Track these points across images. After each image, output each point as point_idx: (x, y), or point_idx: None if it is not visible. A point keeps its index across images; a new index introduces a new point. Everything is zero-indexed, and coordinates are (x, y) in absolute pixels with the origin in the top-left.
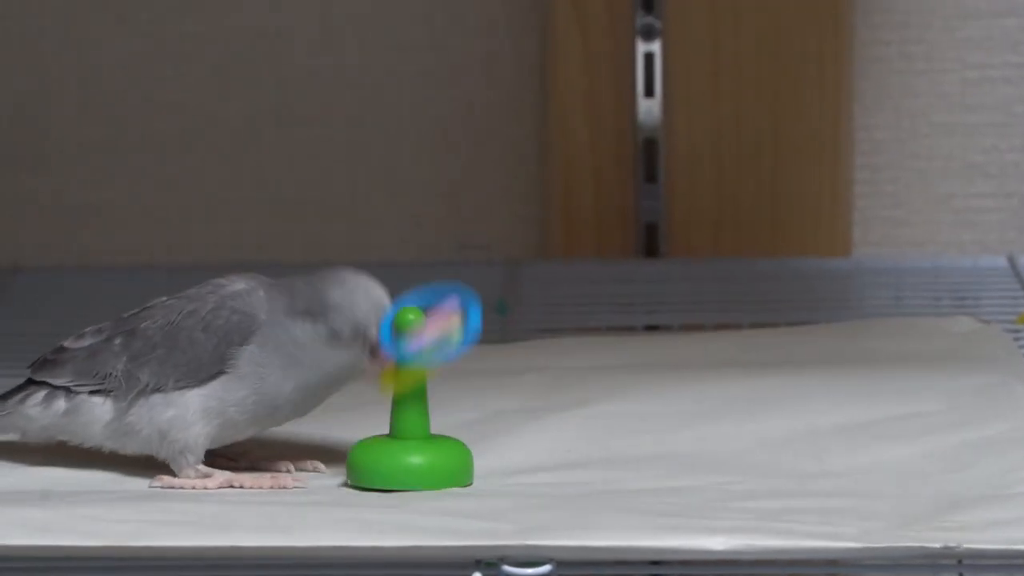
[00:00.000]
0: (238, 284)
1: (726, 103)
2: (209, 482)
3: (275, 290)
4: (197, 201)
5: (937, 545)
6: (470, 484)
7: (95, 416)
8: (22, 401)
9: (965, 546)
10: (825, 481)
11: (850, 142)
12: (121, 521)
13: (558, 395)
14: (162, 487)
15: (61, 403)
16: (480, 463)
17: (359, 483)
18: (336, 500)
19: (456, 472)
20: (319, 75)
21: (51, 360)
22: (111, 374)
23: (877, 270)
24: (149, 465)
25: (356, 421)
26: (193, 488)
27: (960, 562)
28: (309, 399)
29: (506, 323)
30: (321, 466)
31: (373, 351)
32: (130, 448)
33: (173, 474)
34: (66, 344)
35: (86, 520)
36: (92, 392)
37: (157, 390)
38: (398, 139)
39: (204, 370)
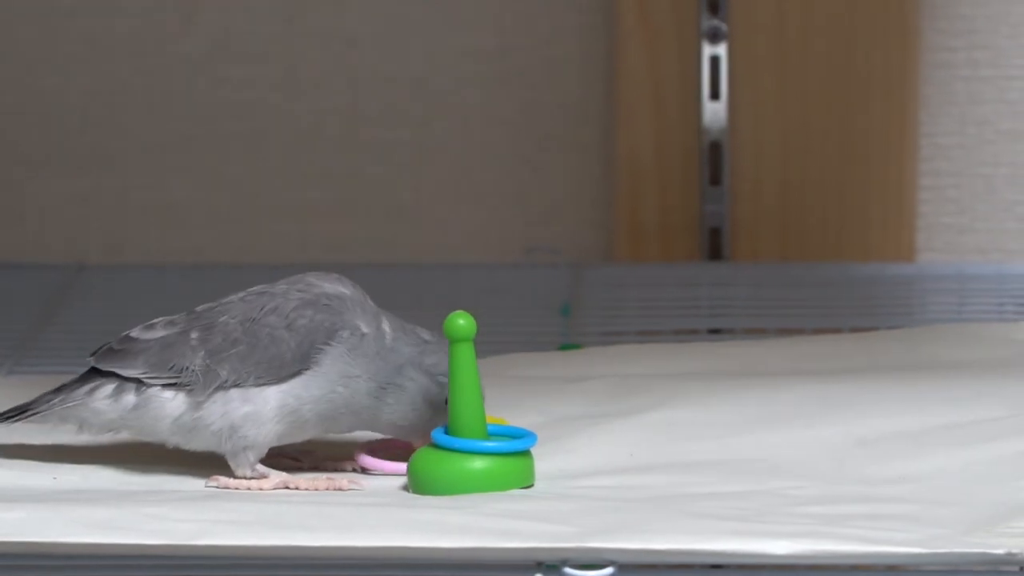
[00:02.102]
0: (331, 286)
1: (792, 107)
2: (265, 483)
3: (395, 322)
4: (263, 201)
5: (1000, 551)
6: (532, 485)
7: (165, 411)
8: (90, 393)
9: None
10: (887, 487)
11: (915, 147)
12: (184, 520)
13: (621, 401)
14: (217, 487)
15: (131, 397)
16: (542, 466)
17: (421, 492)
18: (396, 501)
19: (518, 474)
20: (386, 79)
21: (118, 350)
22: (188, 368)
23: (941, 276)
24: (207, 465)
25: None
26: (248, 489)
27: (1023, 569)
28: (375, 418)
29: (570, 326)
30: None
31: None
32: (193, 444)
33: (229, 473)
34: (134, 334)
35: (150, 519)
36: (165, 386)
37: (236, 386)
38: (465, 143)
39: (287, 367)
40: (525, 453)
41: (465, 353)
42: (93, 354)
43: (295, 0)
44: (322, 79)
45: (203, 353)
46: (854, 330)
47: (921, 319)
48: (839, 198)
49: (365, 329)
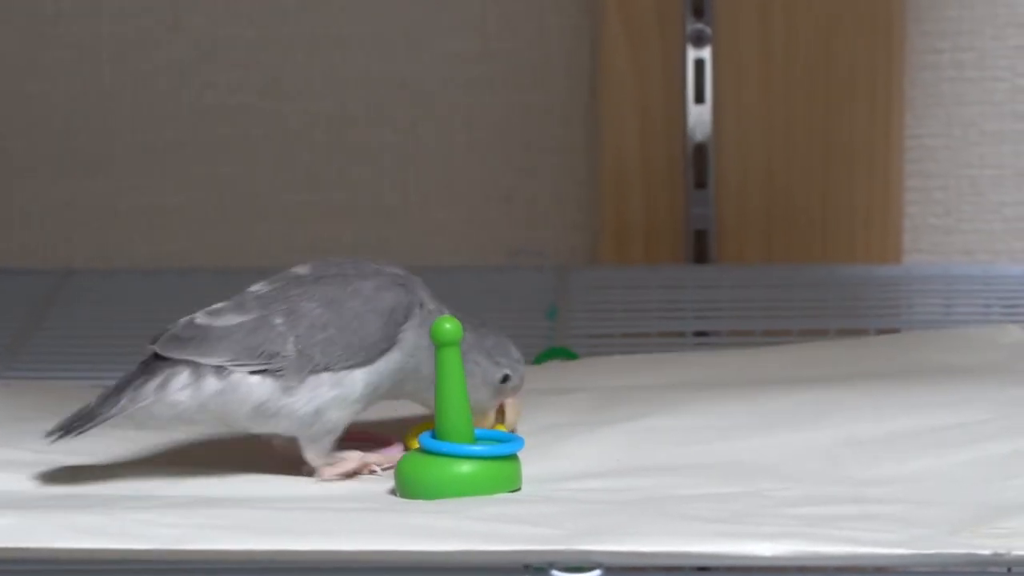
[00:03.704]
0: (394, 268)
1: (776, 109)
2: (349, 465)
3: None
4: (251, 205)
5: (986, 552)
6: (519, 489)
7: (250, 396)
8: (162, 387)
9: (1014, 553)
10: (874, 488)
11: (901, 149)
12: (172, 525)
13: (608, 411)
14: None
15: (213, 382)
16: (529, 470)
17: (409, 497)
18: (383, 505)
19: (505, 478)
20: (373, 82)
21: (186, 337)
22: (280, 354)
23: (927, 277)
24: (198, 468)
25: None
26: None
27: (1010, 570)
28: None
29: (556, 329)
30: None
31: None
32: (271, 428)
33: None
34: (200, 320)
35: (137, 524)
36: (253, 372)
37: (326, 369)
38: (450, 146)
39: (375, 348)
40: (512, 457)
41: (451, 357)
42: (153, 342)
43: (282, 4)
44: (309, 83)
45: (293, 339)
46: (841, 332)
47: (908, 320)
48: (825, 200)
49: (431, 305)
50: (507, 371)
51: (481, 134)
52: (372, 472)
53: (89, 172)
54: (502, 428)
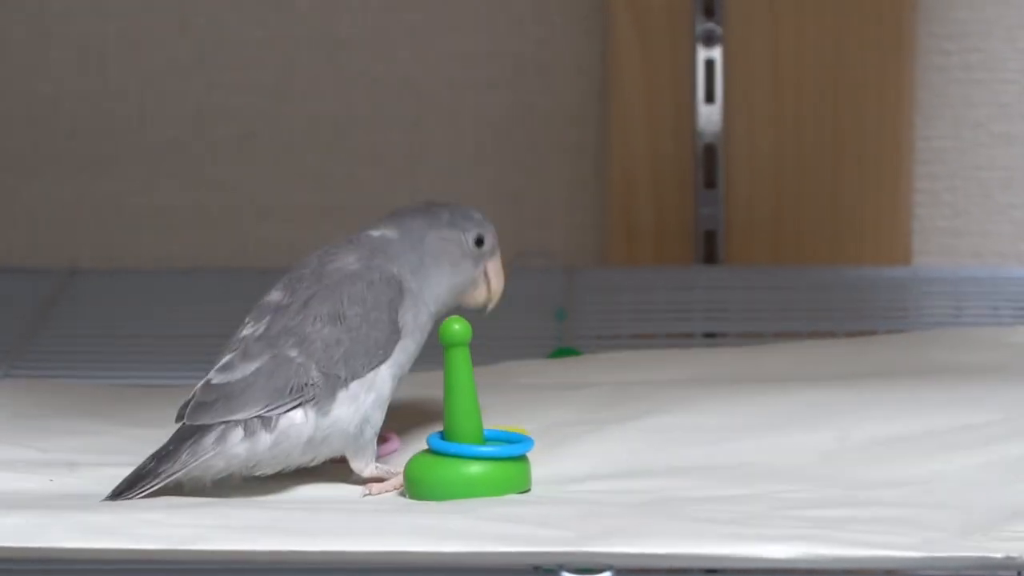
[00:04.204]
0: (352, 256)
1: (786, 110)
2: (397, 480)
3: (382, 242)
4: (254, 205)
5: (998, 555)
6: (528, 490)
7: (300, 434)
8: (220, 440)
9: None
10: (884, 491)
11: (910, 151)
12: (182, 525)
13: (616, 407)
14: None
15: (265, 435)
16: (539, 471)
17: (418, 498)
18: (393, 506)
19: (515, 479)
20: (378, 82)
21: (211, 400)
22: (308, 383)
23: (936, 279)
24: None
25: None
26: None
27: (1021, 573)
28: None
29: (565, 330)
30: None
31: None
32: (323, 454)
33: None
34: (216, 381)
35: (147, 524)
36: (290, 409)
37: (354, 379)
38: (457, 146)
39: (390, 342)
40: (522, 458)
41: (461, 357)
42: (180, 418)
43: (286, 4)
44: (315, 83)
45: (314, 365)
46: (849, 334)
47: (916, 323)
48: (834, 201)
49: (401, 269)
50: (478, 231)
51: (489, 134)
52: None
53: (94, 172)
54: (488, 301)
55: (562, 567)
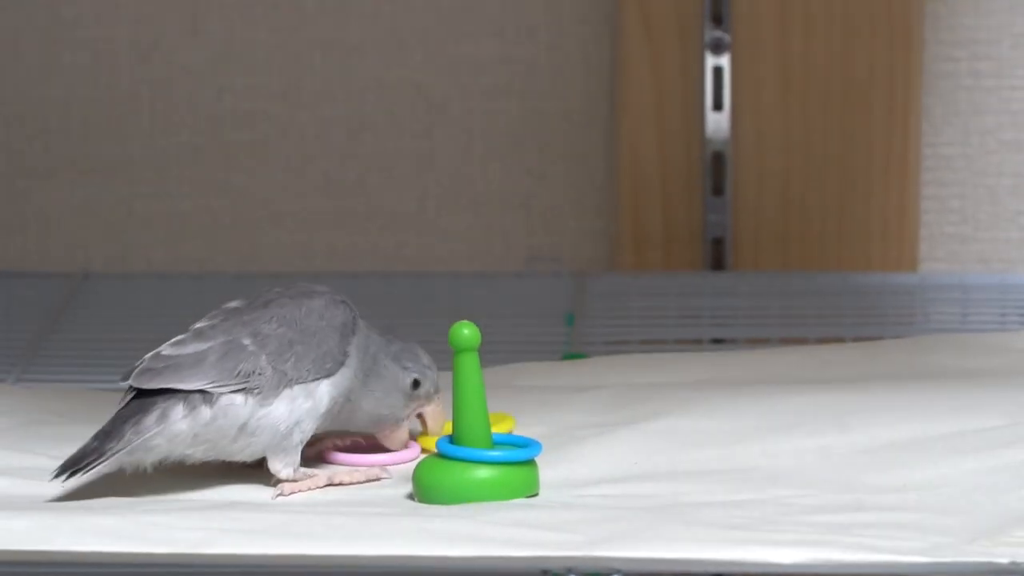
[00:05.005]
0: (321, 287)
1: (794, 117)
2: (318, 481)
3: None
4: (266, 211)
5: (1004, 560)
6: (537, 494)
7: (237, 417)
8: (162, 419)
9: None
10: (891, 496)
11: (918, 158)
12: (191, 528)
13: (625, 410)
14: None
15: (206, 409)
16: (547, 475)
17: (427, 502)
18: (401, 510)
19: (523, 483)
20: (389, 87)
21: (159, 368)
22: (256, 372)
23: (943, 286)
24: (213, 474)
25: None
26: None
27: None
28: (358, 408)
29: (573, 335)
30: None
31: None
32: (251, 447)
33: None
34: (166, 352)
35: (157, 527)
36: (234, 391)
37: (298, 382)
38: (467, 152)
39: (336, 360)
40: (530, 462)
41: (470, 362)
42: (124, 377)
43: (298, 10)
44: (326, 88)
45: (264, 356)
46: (856, 340)
47: (923, 329)
48: (841, 208)
49: (363, 322)
50: (415, 375)
51: (499, 140)
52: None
53: (106, 176)
54: (426, 439)
55: (570, 571)
